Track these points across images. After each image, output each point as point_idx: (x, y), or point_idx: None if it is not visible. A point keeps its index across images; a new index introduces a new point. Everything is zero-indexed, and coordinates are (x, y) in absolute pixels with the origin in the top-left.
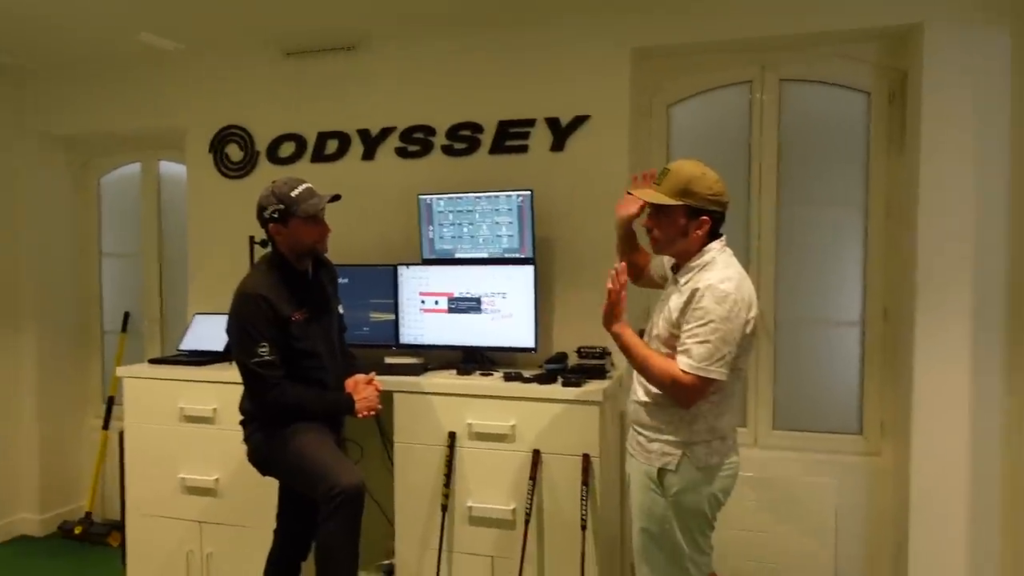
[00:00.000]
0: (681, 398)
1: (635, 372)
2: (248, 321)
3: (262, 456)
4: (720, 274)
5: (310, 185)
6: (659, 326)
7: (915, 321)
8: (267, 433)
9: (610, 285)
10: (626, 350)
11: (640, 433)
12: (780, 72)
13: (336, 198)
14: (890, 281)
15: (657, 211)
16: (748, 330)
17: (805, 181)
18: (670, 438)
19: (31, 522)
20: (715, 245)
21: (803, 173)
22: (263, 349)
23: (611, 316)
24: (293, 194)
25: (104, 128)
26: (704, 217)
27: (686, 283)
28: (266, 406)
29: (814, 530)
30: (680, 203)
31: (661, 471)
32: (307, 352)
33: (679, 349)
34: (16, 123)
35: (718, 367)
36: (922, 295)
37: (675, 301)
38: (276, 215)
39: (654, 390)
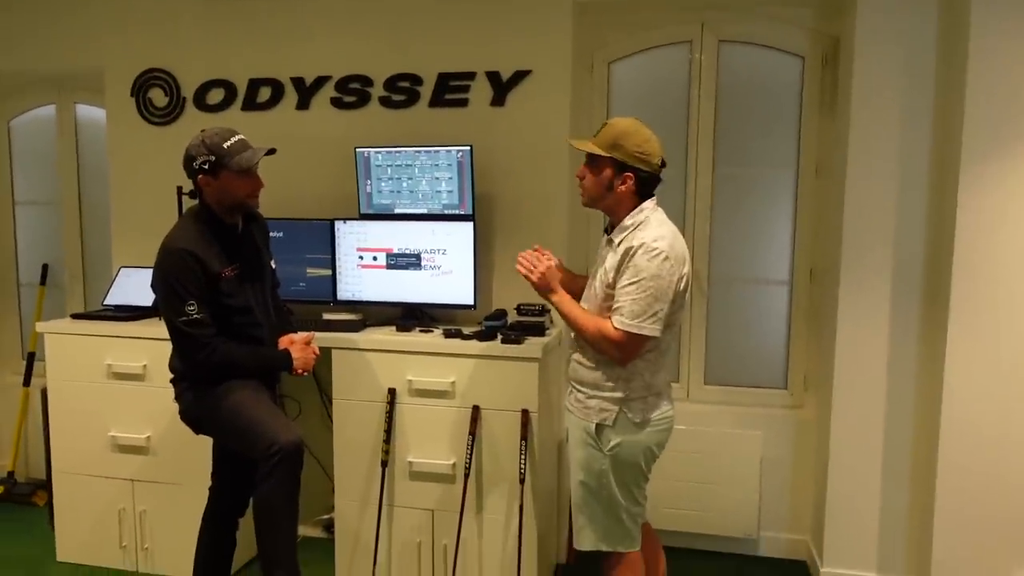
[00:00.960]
0: (616, 356)
1: (572, 332)
2: (175, 278)
3: (195, 415)
4: (653, 232)
5: (243, 137)
6: (595, 287)
7: (839, 281)
8: (199, 392)
9: (521, 270)
10: (562, 315)
11: (578, 390)
12: (719, 33)
13: (271, 151)
14: (817, 242)
15: (589, 162)
16: (681, 287)
17: (740, 142)
18: (608, 395)
19: None
20: (648, 204)
21: (739, 134)
22: (191, 307)
23: (544, 289)
24: (225, 145)
25: (13, 67)
26: (628, 173)
27: (619, 243)
28: (197, 366)
29: (741, 480)
30: (607, 155)
31: (599, 427)
32: (239, 308)
33: (613, 307)
34: None
35: (651, 324)
36: (846, 256)
37: (610, 261)
38: (206, 166)
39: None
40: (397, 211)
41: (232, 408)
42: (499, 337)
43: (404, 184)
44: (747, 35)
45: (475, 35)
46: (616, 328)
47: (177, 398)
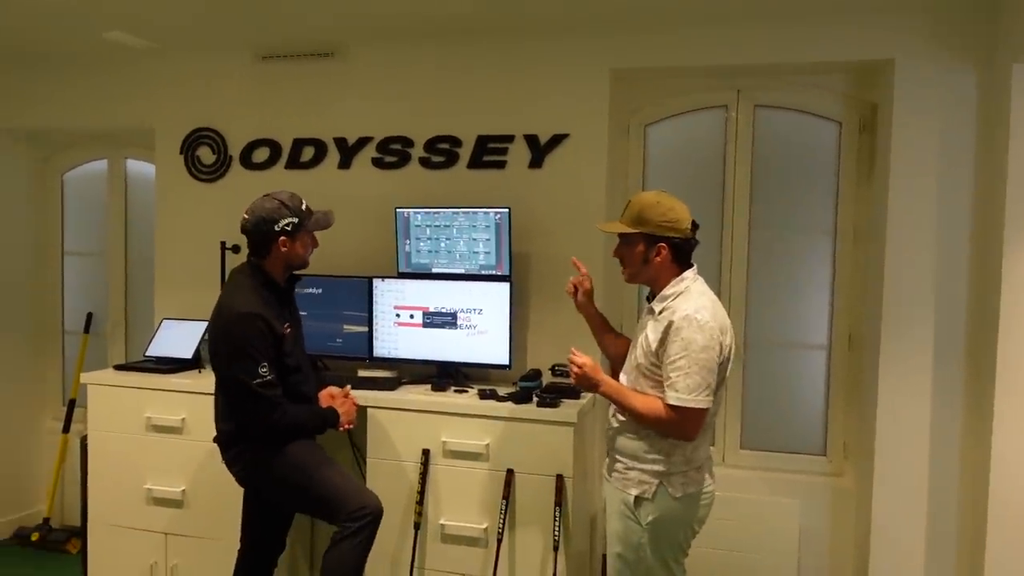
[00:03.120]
0: (676, 432)
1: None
2: (247, 341)
3: (264, 477)
4: (695, 303)
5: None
6: (639, 355)
7: (880, 347)
8: (263, 452)
9: (575, 370)
10: (612, 401)
11: (618, 460)
12: (755, 98)
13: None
14: (856, 307)
15: (622, 241)
16: (724, 356)
17: (777, 206)
18: (647, 467)
19: None
20: (688, 274)
21: (775, 198)
22: (264, 369)
23: (587, 385)
24: (304, 207)
25: (69, 124)
26: (661, 244)
27: (661, 312)
28: (267, 427)
29: (778, 549)
30: (636, 231)
31: (638, 499)
32: (294, 367)
33: (665, 384)
34: None
35: (705, 396)
36: (887, 322)
37: (652, 331)
38: (289, 227)
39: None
40: (434, 270)
41: (313, 473)
42: (534, 399)
43: (442, 244)
44: (783, 101)
45: (514, 99)
46: (672, 405)
47: (232, 461)
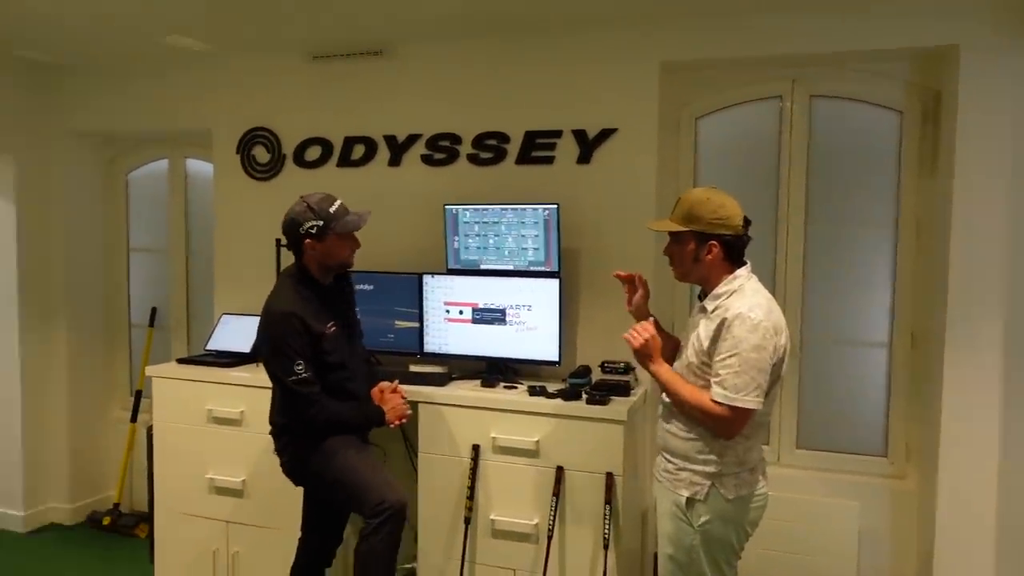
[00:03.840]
0: (720, 429)
1: (663, 396)
2: (282, 339)
3: (299, 470)
4: (749, 301)
5: (342, 201)
6: (689, 354)
7: (944, 346)
8: (304, 446)
9: (634, 344)
10: (661, 385)
11: (669, 460)
12: (811, 88)
13: (369, 213)
14: (919, 304)
15: (673, 239)
16: (778, 357)
17: (834, 199)
18: (699, 468)
19: (61, 511)
20: (742, 272)
21: (833, 191)
22: (299, 367)
23: (644, 358)
24: (331, 210)
25: (133, 126)
26: (712, 242)
27: (714, 311)
28: (305, 422)
29: (836, 552)
30: (686, 229)
31: (690, 500)
32: (338, 364)
33: (713, 380)
34: (48, 120)
35: (754, 396)
36: (952, 320)
37: (704, 329)
38: (314, 230)
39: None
40: (483, 267)
41: (341, 466)
42: (584, 397)
43: (491, 240)
44: (840, 90)
45: (562, 94)
46: (718, 402)
47: (280, 451)
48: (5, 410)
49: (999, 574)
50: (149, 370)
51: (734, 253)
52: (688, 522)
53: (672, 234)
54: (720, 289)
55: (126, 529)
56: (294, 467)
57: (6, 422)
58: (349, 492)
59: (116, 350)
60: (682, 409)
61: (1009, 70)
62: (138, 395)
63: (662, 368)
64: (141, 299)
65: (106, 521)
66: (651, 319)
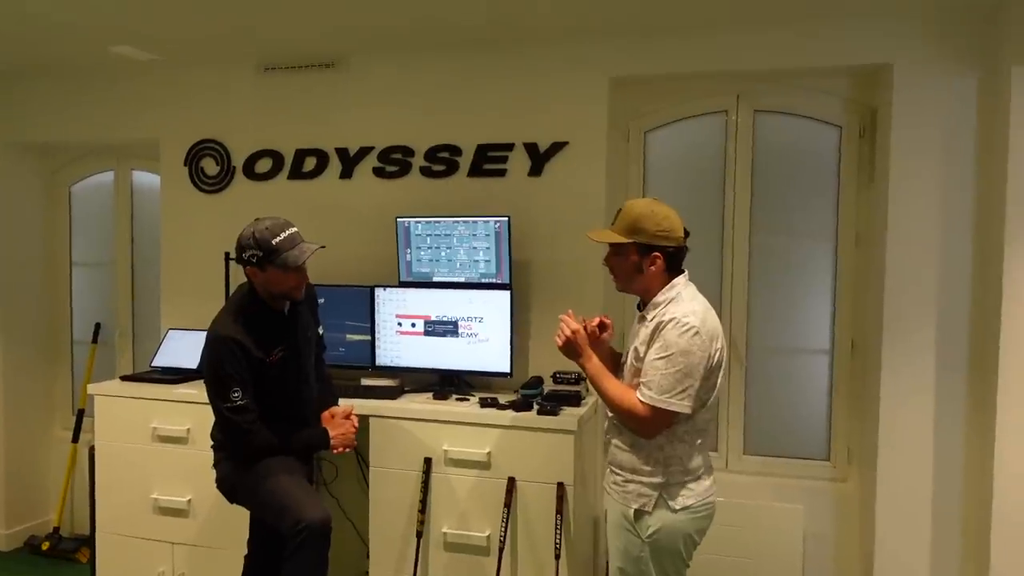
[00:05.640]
0: (641, 429)
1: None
2: (219, 365)
3: (230, 485)
4: (685, 308)
5: (295, 231)
6: (631, 361)
7: (882, 352)
8: (235, 463)
9: (558, 342)
10: (590, 379)
11: (616, 473)
12: (755, 103)
13: (321, 247)
14: (858, 312)
15: (613, 251)
16: (713, 363)
17: (777, 210)
18: (646, 480)
19: None
20: (679, 280)
21: (776, 202)
22: (235, 394)
23: (571, 353)
24: (274, 242)
25: (76, 137)
26: (655, 253)
27: (652, 318)
28: (237, 449)
29: (783, 555)
30: (630, 240)
31: (637, 512)
32: (283, 390)
33: (641, 380)
34: None
35: (679, 400)
36: (888, 327)
37: (642, 335)
38: (254, 259)
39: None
40: (435, 279)
41: (264, 482)
42: (535, 407)
43: (443, 253)
44: (783, 106)
45: (513, 107)
46: (642, 402)
47: (215, 466)
48: None
49: (934, 570)
50: (91, 388)
51: (674, 263)
52: (636, 534)
53: (613, 245)
54: (659, 298)
55: (66, 553)
56: (224, 482)
57: None
58: (272, 513)
59: (57, 367)
60: (608, 403)
61: (939, 88)
62: (80, 414)
63: (590, 363)
64: (84, 315)
65: (45, 546)
66: (571, 312)
